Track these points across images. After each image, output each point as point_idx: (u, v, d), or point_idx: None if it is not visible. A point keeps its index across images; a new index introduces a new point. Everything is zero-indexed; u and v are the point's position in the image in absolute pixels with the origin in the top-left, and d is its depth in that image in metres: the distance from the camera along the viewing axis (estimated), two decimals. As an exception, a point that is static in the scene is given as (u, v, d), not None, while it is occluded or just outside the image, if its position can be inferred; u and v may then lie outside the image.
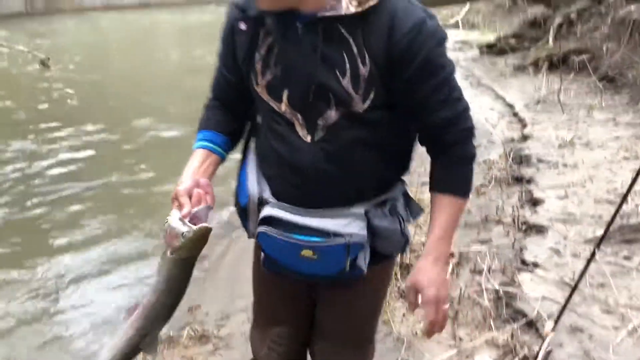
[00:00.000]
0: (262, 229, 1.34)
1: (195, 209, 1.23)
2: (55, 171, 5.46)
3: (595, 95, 6.15)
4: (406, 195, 1.44)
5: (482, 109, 6.47)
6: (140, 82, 9.65)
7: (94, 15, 19.83)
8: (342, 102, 1.24)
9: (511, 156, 4.69)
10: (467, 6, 16.70)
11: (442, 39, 1.24)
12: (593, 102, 5.86)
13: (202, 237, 1.19)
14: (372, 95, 1.24)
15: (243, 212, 1.44)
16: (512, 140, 5.27)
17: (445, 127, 1.29)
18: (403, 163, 1.43)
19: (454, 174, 1.35)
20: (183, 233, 1.18)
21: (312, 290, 1.55)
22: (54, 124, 6.78)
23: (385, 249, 1.41)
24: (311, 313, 1.60)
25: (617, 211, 1.92)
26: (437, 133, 1.31)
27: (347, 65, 1.21)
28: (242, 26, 1.30)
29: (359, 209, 1.34)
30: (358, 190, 1.35)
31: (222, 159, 1.43)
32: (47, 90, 8.57)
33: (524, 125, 5.50)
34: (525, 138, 5.13)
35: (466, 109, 1.30)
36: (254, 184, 1.39)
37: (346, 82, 1.22)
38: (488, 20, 16.28)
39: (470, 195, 1.63)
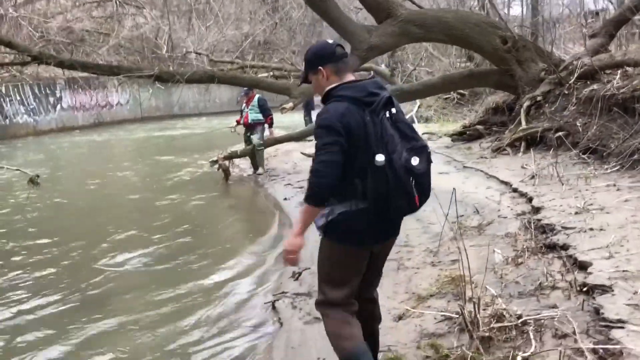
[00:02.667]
0: None
1: None
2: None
3: (582, 166, 6.48)
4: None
5: (479, 188, 6.68)
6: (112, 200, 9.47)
7: (50, 137, 19.71)
8: None
9: (532, 227, 4.82)
10: (418, 102, 17.73)
11: (319, 125, 2.52)
12: (584, 172, 6.16)
13: None
14: None
15: None
16: (524, 213, 5.42)
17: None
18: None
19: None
20: None
21: None
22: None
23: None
24: None
25: None
26: None
27: None
28: None
29: None
30: None
31: None
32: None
33: (530, 199, 5.68)
34: (537, 210, 5.29)
35: (319, 162, 2.48)
36: None
37: None
38: (439, 113, 17.25)
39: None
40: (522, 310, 3.37)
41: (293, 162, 11.24)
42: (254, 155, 10.53)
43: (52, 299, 5.12)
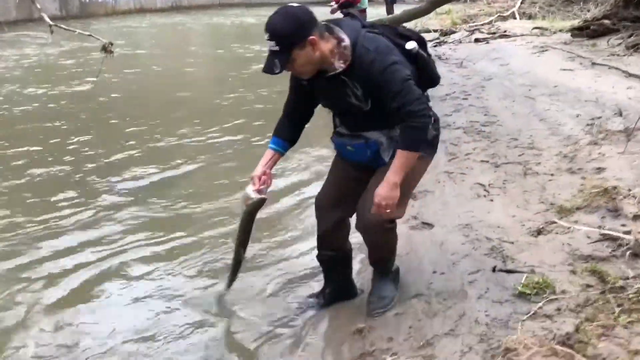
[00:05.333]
0: (333, 136, 2.64)
1: (262, 187, 2.48)
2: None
3: None
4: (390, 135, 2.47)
5: (616, 88, 5.56)
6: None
7: (127, 18, 19.28)
8: (354, 107, 2.39)
9: None
10: (520, -2, 15.86)
11: (387, 65, 2.25)
12: None
13: (260, 202, 2.51)
14: (370, 100, 2.36)
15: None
16: (686, 119, 4.35)
17: (398, 110, 2.27)
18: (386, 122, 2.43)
19: (401, 136, 2.35)
20: (252, 198, 2.48)
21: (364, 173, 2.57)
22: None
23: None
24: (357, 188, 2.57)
25: None
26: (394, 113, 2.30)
27: (350, 92, 2.34)
28: (304, 82, 2.43)
29: (374, 132, 2.48)
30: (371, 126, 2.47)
31: (282, 155, 2.59)
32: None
33: (694, 103, 4.58)
34: None
35: (416, 100, 2.25)
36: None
37: (352, 99, 2.36)
38: (545, 11, 15.36)
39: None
40: None
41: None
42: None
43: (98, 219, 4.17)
